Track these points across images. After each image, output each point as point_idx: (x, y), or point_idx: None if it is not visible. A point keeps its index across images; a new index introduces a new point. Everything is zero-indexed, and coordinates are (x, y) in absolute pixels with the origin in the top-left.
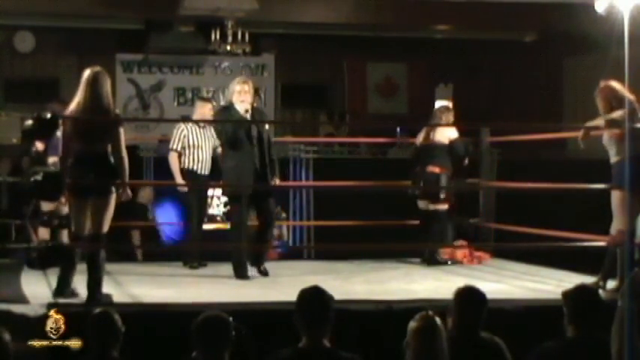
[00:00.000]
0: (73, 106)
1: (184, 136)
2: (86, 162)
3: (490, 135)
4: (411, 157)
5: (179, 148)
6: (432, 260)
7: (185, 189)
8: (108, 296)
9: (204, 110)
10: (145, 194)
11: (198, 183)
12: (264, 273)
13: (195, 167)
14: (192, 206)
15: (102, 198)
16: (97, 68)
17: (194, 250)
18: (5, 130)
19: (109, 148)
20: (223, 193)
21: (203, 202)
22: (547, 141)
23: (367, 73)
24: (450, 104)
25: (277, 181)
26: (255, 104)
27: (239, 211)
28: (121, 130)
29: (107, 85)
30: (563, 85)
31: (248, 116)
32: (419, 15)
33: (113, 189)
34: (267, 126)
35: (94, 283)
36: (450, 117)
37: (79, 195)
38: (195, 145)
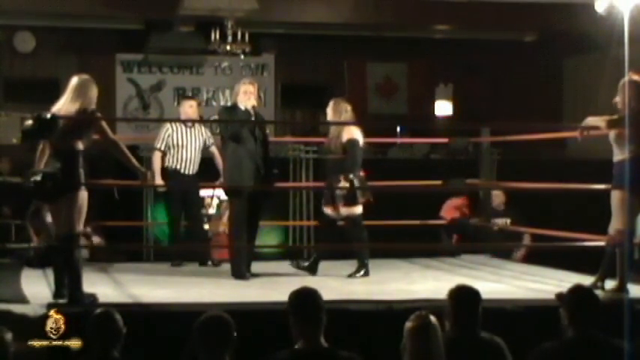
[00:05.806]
0: (54, 108)
1: (168, 136)
2: (55, 159)
3: (490, 135)
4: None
5: (163, 148)
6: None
7: (164, 189)
8: (91, 296)
9: (186, 109)
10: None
11: (181, 182)
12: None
13: (178, 167)
14: (175, 206)
15: (67, 196)
16: (85, 76)
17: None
18: (5, 130)
19: (79, 145)
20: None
21: (192, 201)
22: (547, 141)
23: (367, 73)
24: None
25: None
26: (257, 105)
27: (239, 209)
28: (104, 123)
29: (92, 92)
30: (563, 85)
31: (252, 116)
32: (419, 15)
33: (82, 187)
34: (267, 129)
35: (72, 284)
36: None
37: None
38: (179, 145)
